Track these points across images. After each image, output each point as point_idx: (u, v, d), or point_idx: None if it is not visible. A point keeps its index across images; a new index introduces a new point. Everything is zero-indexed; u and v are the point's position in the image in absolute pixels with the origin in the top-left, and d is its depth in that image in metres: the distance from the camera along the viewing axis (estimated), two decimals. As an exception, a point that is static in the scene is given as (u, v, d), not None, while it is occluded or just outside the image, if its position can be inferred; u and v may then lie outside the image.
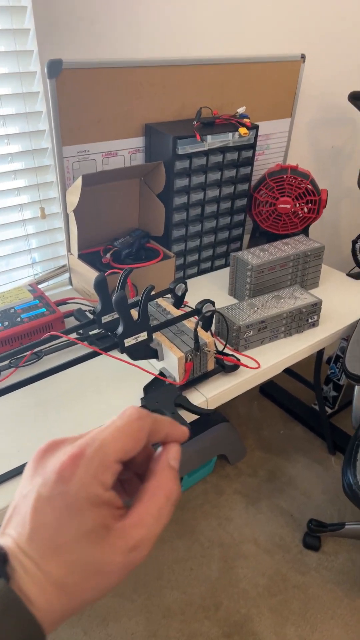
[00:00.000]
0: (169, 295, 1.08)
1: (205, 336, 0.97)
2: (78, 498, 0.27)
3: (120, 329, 0.90)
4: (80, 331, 1.06)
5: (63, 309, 1.17)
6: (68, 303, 1.20)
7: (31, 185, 1.16)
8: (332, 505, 1.59)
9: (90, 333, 1.07)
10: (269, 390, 2.04)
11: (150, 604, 1.31)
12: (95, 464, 0.28)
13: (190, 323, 1.01)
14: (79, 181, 1.05)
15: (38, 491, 0.28)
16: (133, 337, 0.91)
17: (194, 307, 0.99)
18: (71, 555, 0.26)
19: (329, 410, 1.92)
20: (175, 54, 1.23)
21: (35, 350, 0.99)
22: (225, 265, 1.49)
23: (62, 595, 0.26)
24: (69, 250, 1.25)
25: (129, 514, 0.29)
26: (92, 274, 1.16)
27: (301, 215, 1.45)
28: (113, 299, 0.87)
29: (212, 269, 1.46)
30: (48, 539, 0.26)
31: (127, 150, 1.24)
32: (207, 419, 1.62)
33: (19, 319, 1.06)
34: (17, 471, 0.79)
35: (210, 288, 1.37)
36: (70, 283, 1.31)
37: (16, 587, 0.25)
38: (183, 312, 1.02)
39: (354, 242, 1.56)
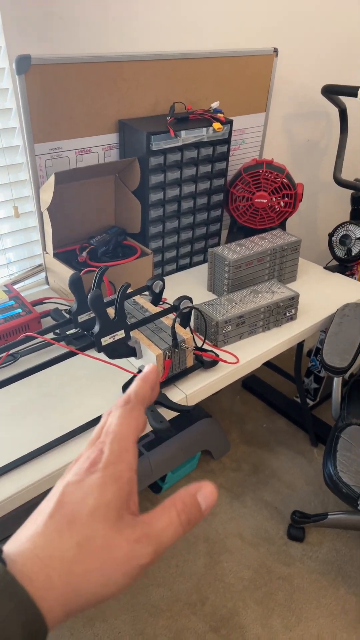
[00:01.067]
0: (147, 293, 1.08)
1: (183, 332, 0.96)
2: (105, 474, 0.29)
3: (96, 328, 0.89)
4: (57, 331, 1.05)
5: (39, 309, 1.16)
6: (45, 303, 1.19)
7: (3, 183, 1.13)
8: (316, 497, 1.60)
9: (68, 333, 1.06)
10: (251, 384, 2.05)
11: (136, 603, 1.31)
12: (116, 448, 0.31)
13: (168, 320, 1.01)
14: (52, 179, 1.04)
15: (68, 481, 0.30)
16: (110, 335, 0.91)
17: (172, 304, 0.99)
18: (83, 529, 0.27)
19: (311, 403, 1.94)
20: (148, 48, 1.22)
21: (11, 351, 0.98)
22: (204, 261, 1.48)
23: (64, 574, 0.26)
24: (44, 249, 1.23)
25: (141, 514, 0.30)
26: (68, 273, 1.14)
27: (278, 209, 1.46)
28: (88, 297, 0.86)
29: (190, 265, 1.46)
30: (69, 513, 0.28)
31: (100, 147, 1.23)
32: (190, 415, 1.62)
33: (-6, 320, 1.04)
34: (-6, 475, 0.78)
35: (189, 284, 1.37)
36: (47, 282, 1.30)
37: (17, 569, 0.25)
38: (161, 309, 1.01)
39: (330, 236, 1.57)
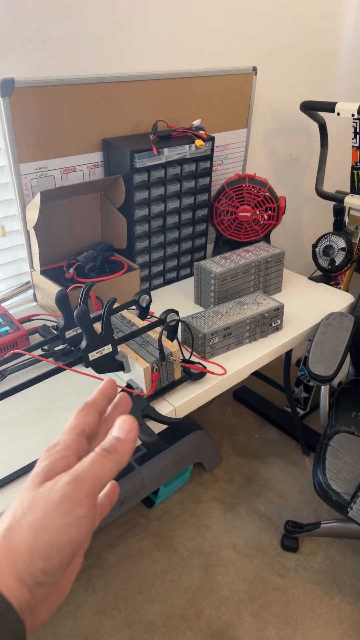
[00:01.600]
0: (134, 307, 1.09)
1: (170, 345, 0.98)
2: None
3: (83, 343, 0.90)
4: (46, 347, 1.06)
5: (28, 325, 1.17)
6: (33, 320, 1.20)
7: (-11, 203, 1.15)
8: (309, 506, 1.61)
9: (56, 349, 1.07)
10: (242, 395, 2.06)
11: (131, 620, 1.30)
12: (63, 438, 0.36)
13: (155, 333, 1.02)
14: (38, 198, 1.06)
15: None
16: (97, 350, 0.92)
17: (159, 318, 1.01)
18: (24, 494, 0.32)
19: (301, 412, 1.96)
20: (130, 70, 1.25)
21: (0, 369, 0.98)
22: (191, 274, 1.50)
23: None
24: (31, 266, 1.25)
25: None
26: (55, 290, 1.15)
27: (261, 222, 1.49)
28: (74, 313, 0.87)
29: (177, 278, 1.48)
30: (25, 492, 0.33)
31: (85, 166, 1.25)
32: (181, 427, 1.62)
33: (-18, 339, 1.05)
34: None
35: (176, 297, 1.39)
36: (35, 299, 1.31)
37: None
38: (148, 323, 1.02)
39: (314, 247, 1.60)
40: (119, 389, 0.41)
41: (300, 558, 1.46)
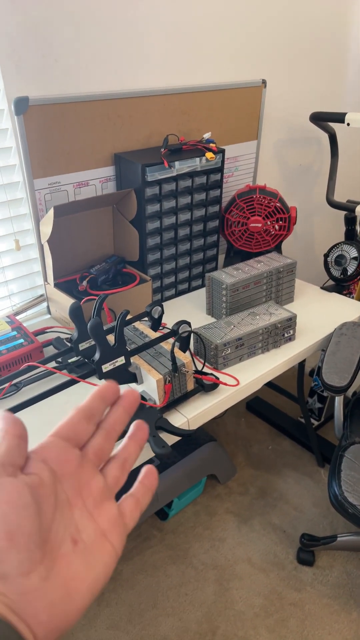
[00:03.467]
0: (146, 319, 1.10)
1: (182, 357, 0.98)
2: None
3: (97, 355, 0.91)
4: (59, 359, 1.07)
5: (42, 338, 1.18)
6: (47, 332, 1.21)
7: (4, 218, 1.17)
8: (324, 518, 1.58)
9: (70, 361, 1.08)
10: (255, 406, 2.05)
11: (145, 634, 1.29)
12: None
13: (168, 345, 1.03)
14: (51, 212, 1.07)
15: None
16: (111, 362, 0.92)
17: (171, 329, 1.01)
18: None
19: (315, 423, 1.94)
20: (141, 85, 1.28)
21: (14, 381, 0.99)
22: (202, 285, 1.51)
23: None
24: (45, 279, 1.26)
25: None
26: (69, 302, 1.17)
27: (273, 232, 1.49)
28: (88, 325, 0.88)
29: (189, 289, 1.49)
30: None
31: (97, 180, 1.27)
32: (195, 439, 1.62)
33: (-3, 351, 1.06)
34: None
35: (188, 309, 1.39)
36: (49, 312, 1.32)
37: None
38: (160, 334, 1.03)
39: (326, 256, 1.60)
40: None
41: (316, 572, 1.43)
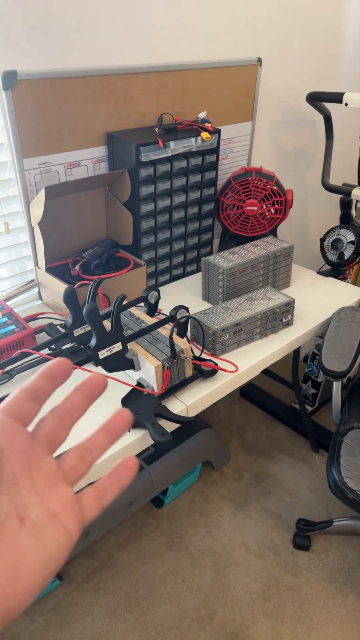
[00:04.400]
0: (142, 304, 1.07)
1: (181, 343, 0.95)
2: None
3: (93, 342, 0.88)
4: (53, 346, 1.03)
5: (34, 324, 1.15)
6: (39, 318, 1.17)
7: (-7, 200, 1.13)
8: (320, 503, 1.59)
9: (64, 347, 1.05)
10: (249, 392, 2.04)
11: (143, 621, 1.28)
12: None
13: (165, 330, 1.00)
14: (42, 193, 1.03)
15: None
16: (107, 348, 0.89)
17: (168, 314, 0.98)
18: None
19: (309, 408, 1.93)
20: (134, 61, 1.23)
21: (7, 369, 0.96)
22: (197, 270, 1.48)
23: None
24: (36, 264, 1.22)
25: None
26: (61, 287, 1.13)
27: (268, 216, 1.46)
28: (84, 311, 0.85)
29: (184, 274, 1.46)
30: None
31: (90, 160, 1.23)
32: (189, 426, 1.60)
33: (-12, 338, 1.02)
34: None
35: (183, 294, 1.36)
36: (40, 298, 1.28)
37: None
38: (157, 320, 1.00)
39: (322, 240, 1.58)
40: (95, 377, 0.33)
41: (312, 557, 1.43)
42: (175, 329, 0.97)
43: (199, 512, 1.56)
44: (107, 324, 0.92)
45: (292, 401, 1.98)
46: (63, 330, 1.09)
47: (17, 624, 1.26)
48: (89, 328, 0.99)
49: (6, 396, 0.78)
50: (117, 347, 0.91)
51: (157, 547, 1.46)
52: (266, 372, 2.07)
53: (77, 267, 1.20)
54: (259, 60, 1.50)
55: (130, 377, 1.00)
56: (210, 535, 1.49)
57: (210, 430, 1.61)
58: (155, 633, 1.25)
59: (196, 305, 1.30)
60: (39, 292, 1.27)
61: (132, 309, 1.06)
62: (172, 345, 0.93)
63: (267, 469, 1.71)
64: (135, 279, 1.24)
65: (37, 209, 1.07)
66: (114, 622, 1.28)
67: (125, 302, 1.04)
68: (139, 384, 0.96)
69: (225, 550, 1.45)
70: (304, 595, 1.34)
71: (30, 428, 0.31)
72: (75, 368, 0.86)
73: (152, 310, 1.07)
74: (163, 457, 1.48)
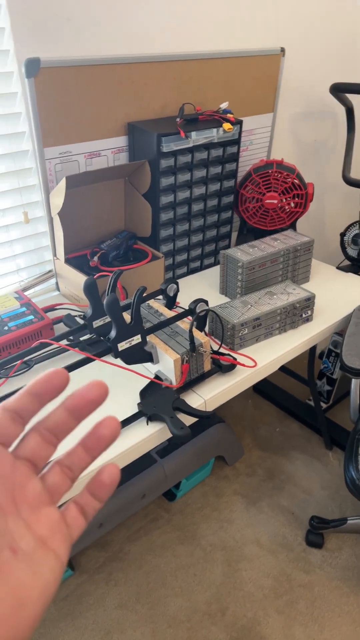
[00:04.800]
0: (160, 297, 1.06)
1: (200, 336, 0.94)
2: None
3: (113, 333, 0.87)
4: (71, 337, 1.03)
5: (51, 315, 1.14)
6: (56, 309, 1.17)
7: (13, 189, 1.12)
8: (333, 501, 1.57)
9: (81, 339, 1.04)
10: (262, 388, 2.02)
11: (154, 614, 1.28)
12: None
13: (183, 324, 0.99)
14: (63, 183, 1.02)
15: None
16: (126, 341, 0.89)
17: (187, 308, 0.97)
18: None
19: (324, 405, 1.91)
20: (156, 50, 1.21)
21: (25, 359, 0.96)
22: (215, 263, 1.46)
23: None
24: (54, 254, 1.22)
25: None
26: (80, 278, 1.12)
27: (288, 210, 1.44)
28: (104, 302, 0.84)
29: (201, 268, 1.44)
30: None
31: (110, 150, 1.21)
32: (203, 421, 1.59)
33: (6, 328, 1.02)
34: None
35: (200, 287, 1.35)
36: (58, 288, 1.28)
37: None
38: (176, 313, 0.99)
39: (342, 235, 1.55)
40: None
41: (325, 554, 1.42)
42: (194, 323, 0.95)
43: (211, 507, 1.56)
44: (126, 316, 0.91)
45: (305, 397, 1.96)
46: (81, 322, 1.08)
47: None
48: (108, 319, 0.99)
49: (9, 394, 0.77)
50: (137, 339, 0.90)
51: (169, 541, 1.46)
52: (280, 367, 2.05)
53: (95, 258, 1.19)
54: (282, 50, 1.47)
55: (148, 370, 0.99)
56: (222, 530, 1.49)
57: (223, 425, 1.60)
58: (167, 626, 1.25)
59: (214, 298, 1.29)
60: (57, 283, 1.27)
61: (151, 302, 1.05)
62: (191, 338, 0.91)
63: (280, 466, 1.70)
64: (153, 271, 1.23)
65: (57, 199, 1.06)
66: (125, 614, 1.28)
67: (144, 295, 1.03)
68: (157, 376, 0.96)
69: (237, 545, 1.45)
70: (316, 592, 1.33)
71: (12, 447, 0.29)
72: (93, 360, 0.86)
73: (171, 303, 1.06)
74: (176, 450, 1.47)
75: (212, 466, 1.67)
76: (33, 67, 0.97)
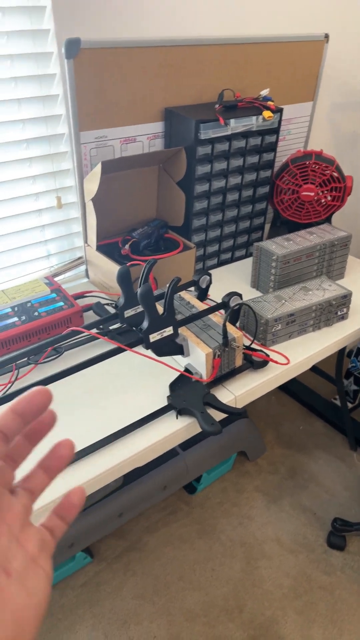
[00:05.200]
0: (191, 288, 1.03)
1: (233, 331, 0.92)
2: None
3: (145, 324, 0.85)
4: (101, 326, 1.01)
5: (81, 302, 1.13)
6: (86, 296, 1.16)
7: (47, 173, 1.10)
8: (356, 503, 1.54)
9: (111, 327, 1.03)
10: (287, 384, 1.98)
11: (171, 607, 1.28)
12: None
13: (215, 317, 0.96)
14: (99, 168, 1.00)
15: None
16: (158, 332, 0.87)
17: (221, 301, 0.94)
18: None
19: (350, 405, 1.87)
20: (196, 32, 1.17)
21: (55, 346, 0.95)
22: (246, 255, 1.43)
23: None
24: (85, 241, 1.20)
25: None
26: (111, 267, 1.11)
27: (325, 203, 1.39)
28: (138, 292, 0.82)
29: (232, 259, 1.41)
30: None
31: (145, 136, 1.19)
32: (238, 416, 1.57)
33: (36, 314, 1.01)
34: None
35: (231, 280, 1.32)
36: (87, 275, 1.26)
37: None
38: (208, 306, 0.97)
39: (380, 231, 1.50)
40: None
41: (347, 557, 1.40)
42: (228, 317, 0.93)
43: (231, 502, 1.54)
44: (158, 307, 0.89)
45: (331, 396, 1.92)
46: (111, 310, 1.07)
47: (48, 597, 1.27)
48: (139, 309, 0.97)
49: (61, 373, 0.76)
50: (168, 331, 0.88)
51: (188, 534, 1.45)
52: (306, 364, 2.01)
53: (127, 246, 1.17)
54: (326, 36, 1.41)
55: (177, 362, 0.97)
56: (242, 526, 1.47)
57: (247, 420, 1.58)
58: (184, 619, 1.25)
59: (245, 292, 1.25)
60: (87, 270, 1.25)
61: (182, 293, 1.03)
62: (224, 333, 0.89)
63: (303, 464, 1.67)
64: (184, 262, 1.20)
65: (92, 184, 1.04)
66: (142, 605, 1.28)
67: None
68: (186, 369, 0.93)
69: (257, 542, 1.43)
70: (337, 595, 1.31)
71: None
72: (124, 350, 0.84)
73: (203, 295, 1.03)
74: (199, 444, 1.46)
75: (234, 461, 1.65)
76: (73, 48, 0.95)
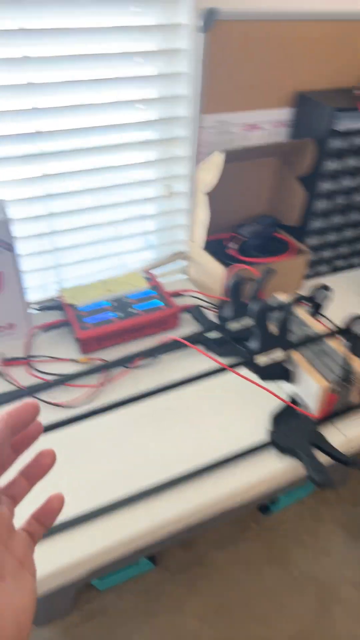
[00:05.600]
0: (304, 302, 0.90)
1: (357, 364, 0.78)
2: None
3: (255, 344, 0.74)
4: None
5: (177, 301, 1.04)
6: (183, 296, 1.07)
7: (159, 159, 1.01)
8: None
9: (208, 336, 0.93)
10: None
11: (234, 636, 1.19)
12: None
13: (332, 341, 0.83)
14: (220, 157, 0.89)
15: None
16: (267, 353, 0.75)
17: (342, 324, 0.81)
18: None
19: None
20: (339, 6, 1.00)
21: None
22: (363, 265, 1.26)
23: None
24: (190, 236, 1.10)
25: None
26: (216, 267, 1.00)
27: None
28: (253, 307, 0.71)
29: (347, 267, 1.25)
30: None
31: (270, 124, 1.05)
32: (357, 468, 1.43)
33: (132, 310, 0.94)
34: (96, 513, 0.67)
35: (345, 291, 1.16)
36: (186, 272, 1.17)
37: None
38: (322, 324, 0.83)
39: None
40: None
41: None
42: (350, 346, 0.79)
43: (307, 532, 1.41)
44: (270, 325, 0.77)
45: None
46: (211, 317, 0.97)
47: (106, 597, 1.24)
48: (244, 322, 0.86)
49: (162, 388, 0.68)
50: (280, 355, 0.76)
51: (257, 557, 1.35)
52: None
53: (235, 245, 1.06)
54: None
55: (281, 388, 0.85)
56: (316, 560, 1.34)
57: (336, 445, 1.43)
58: (245, 652, 1.16)
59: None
60: (186, 267, 1.16)
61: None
62: (346, 365, 0.76)
63: (392, 502, 1.50)
64: (292, 268, 1.07)
65: (210, 175, 0.93)
66: (202, 627, 1.20)
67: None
68: (292, 400, 0.82)
69: (331, 582, 1.30)
70: None
71: None
72: (225, 369, 0.74)
73: (318, 311, 0.90)
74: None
75: (314, 487, 1.51)
76: (210, 19, 0.83)
